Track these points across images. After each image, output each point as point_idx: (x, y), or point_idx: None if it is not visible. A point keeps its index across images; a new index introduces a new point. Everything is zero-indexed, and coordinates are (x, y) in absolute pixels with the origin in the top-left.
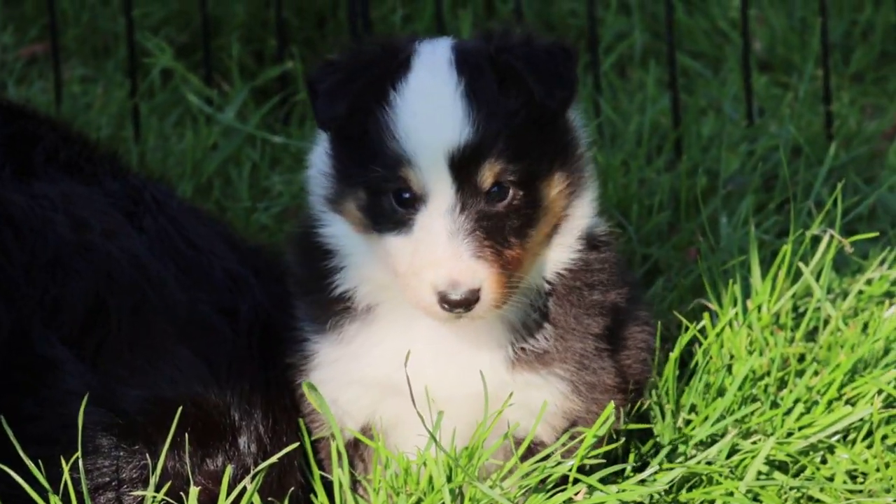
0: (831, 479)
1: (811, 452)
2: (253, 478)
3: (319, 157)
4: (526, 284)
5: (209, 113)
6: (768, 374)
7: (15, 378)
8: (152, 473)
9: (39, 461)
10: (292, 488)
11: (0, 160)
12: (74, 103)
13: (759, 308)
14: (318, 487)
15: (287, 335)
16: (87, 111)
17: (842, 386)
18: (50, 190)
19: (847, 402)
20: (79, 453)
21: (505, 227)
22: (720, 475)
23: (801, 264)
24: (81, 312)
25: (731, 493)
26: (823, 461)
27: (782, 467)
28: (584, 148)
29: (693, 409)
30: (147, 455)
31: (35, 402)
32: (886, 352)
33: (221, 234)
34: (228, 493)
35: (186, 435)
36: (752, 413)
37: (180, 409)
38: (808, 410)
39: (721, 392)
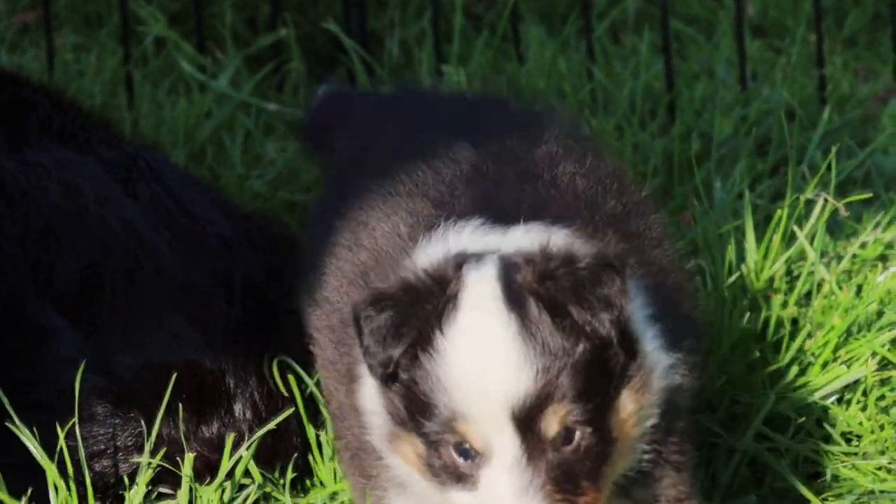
0: (826, 440)
1: (808, 413)
2: (249, 444)
3: (368, 393)
4: None
5: (202, 81)
6: (763, 336)
7: (10, 346)
8: (147, 440)
9: (34, 428)
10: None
11: None
12: (67, 71)
13: (754, 270)
14: (315, 451)
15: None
16: (80, 79)
17: (836, 348)
18: (43, 158)
19: (842, 364)
20: (75, 420)
21: (576, 472)
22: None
23: (795, 228)
24: (75, 281)
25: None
26: (819, 423)
27: (780, 427)
28: (648, 345)
29: None
30: (142, 422)
31: (30, 370)
32: (880, 314)
33: (215, 200)
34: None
35: (181, 402)
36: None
37: (175, 376)
38: (802, 372)
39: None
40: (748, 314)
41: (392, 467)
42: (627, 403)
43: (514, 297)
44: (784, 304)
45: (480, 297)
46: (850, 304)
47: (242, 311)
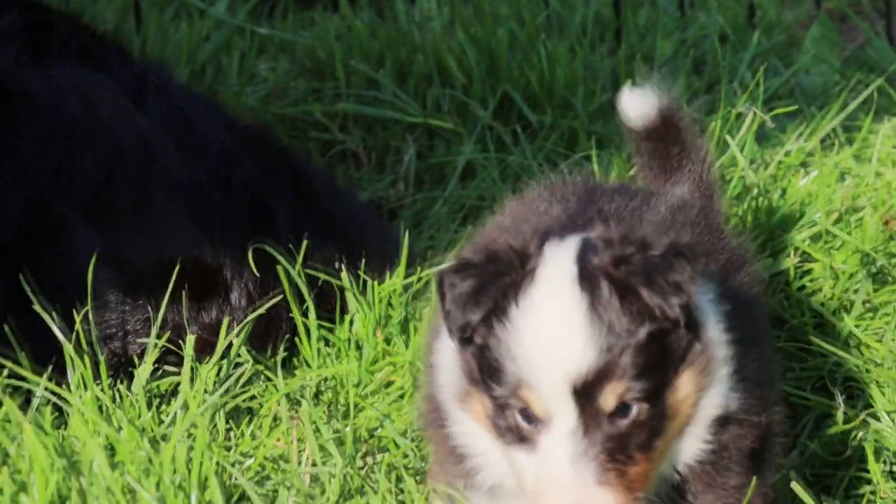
0: None
1: None
2: (242, 327)
3: (445, 351)
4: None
5: (202, 7)
6: None
7: (33, 239)
8: (154, 324)
9: (54, 313)
10: (278, 336)
11: (20, 47)
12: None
13: None
14: (302, 335)
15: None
16: (94, 6)
17: (763, 243)
18: (64, 75)
19: (768, 258)
20: (89, 307)
21: (630, 444)
22: None
23: (727, 137)
24: (92, 183)
25: None
26: None
27: None
28: (711, 333)
29: None
30: (149, 308)
31: (52, 261)
32: (801, 214)
33: (216, 114)
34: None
35: (184, 290)
36: None
37: (179, 267)
38: None
39: None
40: None
41: (477, 468)
42: (687, 384)
43: (588, 276)
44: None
45: (556, 274)
46: (776, 204)
47: (239, 211)
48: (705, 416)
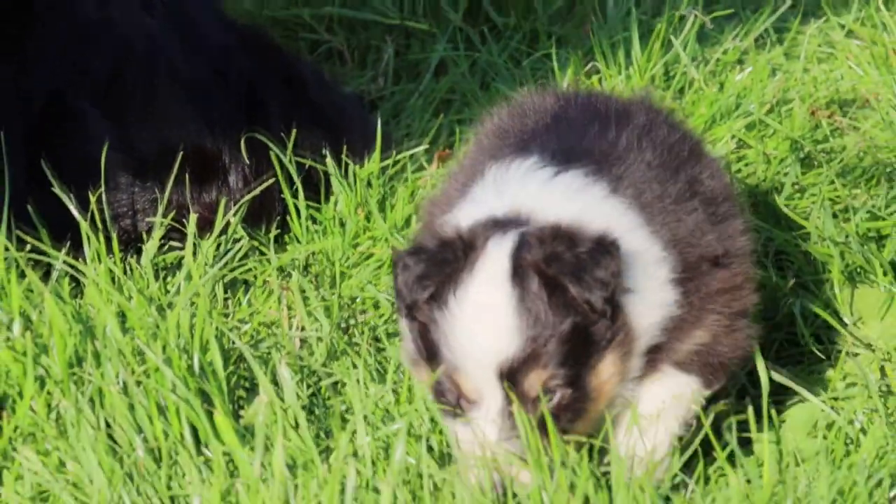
0: None
1: None
2: (239, 207)
3: (403, 321)
4: None
5: None
6: None
7: (52, 128)
8: (160, 204)
9: (71, 195)
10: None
11: None
12: None
13: (640, 71)
14: (293, 214)
15: None
16: None
17: (703, 131)
18: None
19: (708, 144)
20: (102, 189)
21: (552, 425)
22: None
23: (672, 38)
24: (104, 76)
25: None
26: None
27: None
28: (636, 317)
29: None
30: (156, 190)
31: (69, 147)
32: (738, 106)
33: (215, 15)
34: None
35: (187, 174)
36: None
37: (182, 153)
38: None
39: None
40: None
41: None
42: (608, 367)
43: (521, 272)
44: (662, 97)
45: (492, 267)
46: (714, 97)
47: (237, 102)
48: (629, 382)
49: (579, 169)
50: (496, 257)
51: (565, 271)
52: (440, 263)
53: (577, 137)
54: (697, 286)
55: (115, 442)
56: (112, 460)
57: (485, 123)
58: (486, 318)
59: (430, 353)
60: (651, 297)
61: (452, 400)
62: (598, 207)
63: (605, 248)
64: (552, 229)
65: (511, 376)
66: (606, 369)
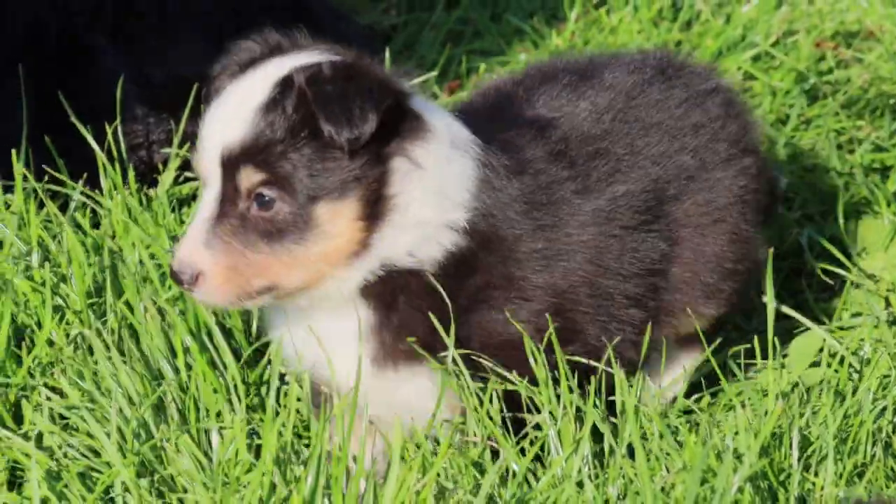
0: None
1: None
2: None
3: None
4: (298, 292)
5: None
6: None
7: (67, 64)
8: (175, 136)
9: (89, 127)
10: None
11: None
12: None
13: (648, 3)
14: None
15: None
16: None
17: (712, 62)
18: None
19: None
20: (118, 121)
21: (260, 233)
22: None
23: None
24: (117, 11)
25: None
26: None
27: None
28: (407, 192)
29: None
30: (171, 122)
31: (84, 82)
32: (743, 38)
33: None
34: None
35: (201, 106)
36: None
37: (196, 85)
38: None
39: None
40: (638, 36)
41: None
42: (339, 209)
43: (286, 83)
44: (669, 30)
45: (270, 72)
46: (721, 29)
47: (247, 34)
48: (377, 257)
49: None
50: (280, 66)
51: (319, 98)
52: (242, 58)
53: None
54: None
55: (134, 370)
56: (138, 386)
57: None
58: (229, 108)
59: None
60: (439, 191)
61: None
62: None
63: (378, 94)
64: (348, 65)
65: (230, 165)
66: (337, 210)
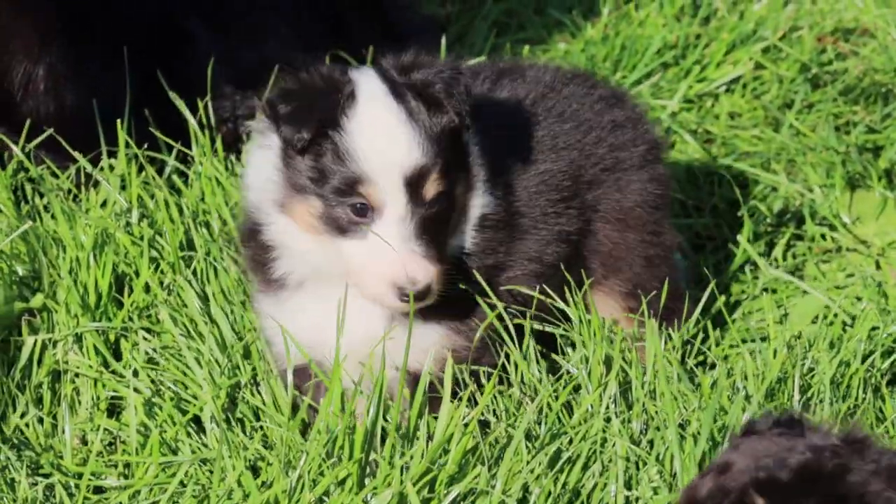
0: (717, 116)
1: (706, 98)
2: None
3: (265, 165)
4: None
5: None
6: (675, 46)
7: (165, 45)
8: (258, 111)
9: (184, 102)
10: None
11: None
12: None
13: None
14: None
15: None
16: None
17: (726, 53)
18: None
19: (730, 65)
20: (209, 97)
21: (439, 229)
22: None
23: None
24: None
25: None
26: (712, 106)
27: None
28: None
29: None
30: (255, 98)
31: (181, 61)
32: (755, 32)
33: None
34: None
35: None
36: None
37: (277, 66)
38: (703, 69)
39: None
40: (663, 29)
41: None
42: (464, 182)
43: (399, 92)
44: (690, 24)
45: (372, 91)
46: (735, 25)
47: (322, 23)
48: (472, 216)
49: None
50: (372, 83)
51: (442, 90)
52: (316, 97)
53: None
54: None
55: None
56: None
57: None
58: (388, 132)
59: (323, 178)
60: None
61: (347, 219)
62: None
63: (461, 73)
64: (406, 62)
65: (412, 182)
66: (463, 182)
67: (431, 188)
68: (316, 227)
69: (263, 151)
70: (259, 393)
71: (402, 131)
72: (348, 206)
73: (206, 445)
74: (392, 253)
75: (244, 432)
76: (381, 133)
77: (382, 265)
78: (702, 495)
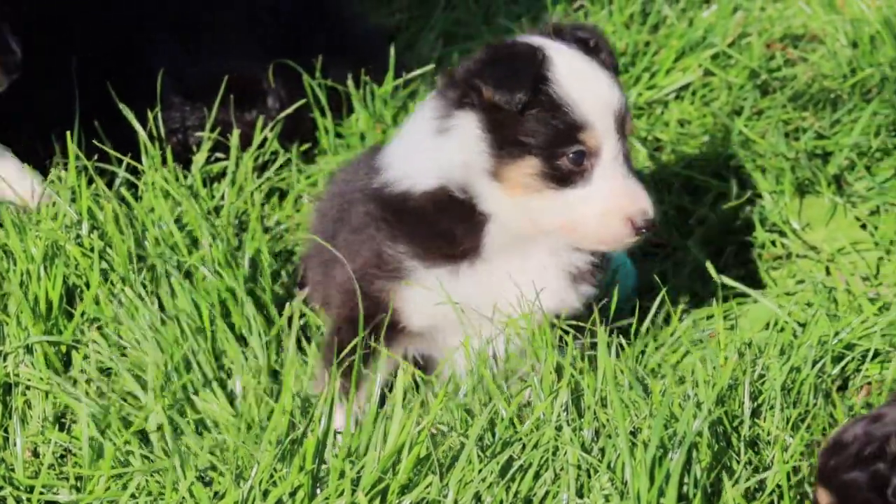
0: (667, 124)
1: (655, 105)
2: (275, 124)
3: (463, 140)
4: None
5: None
6: (623, 53)
7: (118, 57)
8: (208, 121)
9: (135, 114)
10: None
11: None
12: None
13: (620, 9)
14: (321, 132)
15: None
16: None
17: (675, 60)
18: None
19: (679, 72)
20: (158, 108)
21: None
22: None
23: None
24: (176, 10)
25: None
26: (661, 113)
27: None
28: None
29: None
30: (205, 110)
31: (138, 71)
32: (704, 39)
33: None
34: (259, 135)
35: (232, 96)
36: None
37: (228, 78)
38: (653, 76)
39: None
40: (612, 37)
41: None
42: None
43: (591, 51)
44: (639, 32)
45: (560, 49)
46: (684, 32)
47: (284, 35)
48: None
49: None
50: (552, 44)
51: (604, 47)
52: (522, 60)
53: None
54: None
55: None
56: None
57: None
58: (597, 82)
59: (541, 134)
60: None
61: (566, 169)
62: None
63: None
64: (555, 26)
65: (620, 123)
66: None
67: (629, 125)
68: (534, 185)
69: (450, 132)
70: (215, 398)
71: (604, 77)
72: (567, 157)
73: (154, 456)
74: (622, 189)
75: (197, 440)
76: (591, 81)
77: (615, 203)
78: (848, 438)
